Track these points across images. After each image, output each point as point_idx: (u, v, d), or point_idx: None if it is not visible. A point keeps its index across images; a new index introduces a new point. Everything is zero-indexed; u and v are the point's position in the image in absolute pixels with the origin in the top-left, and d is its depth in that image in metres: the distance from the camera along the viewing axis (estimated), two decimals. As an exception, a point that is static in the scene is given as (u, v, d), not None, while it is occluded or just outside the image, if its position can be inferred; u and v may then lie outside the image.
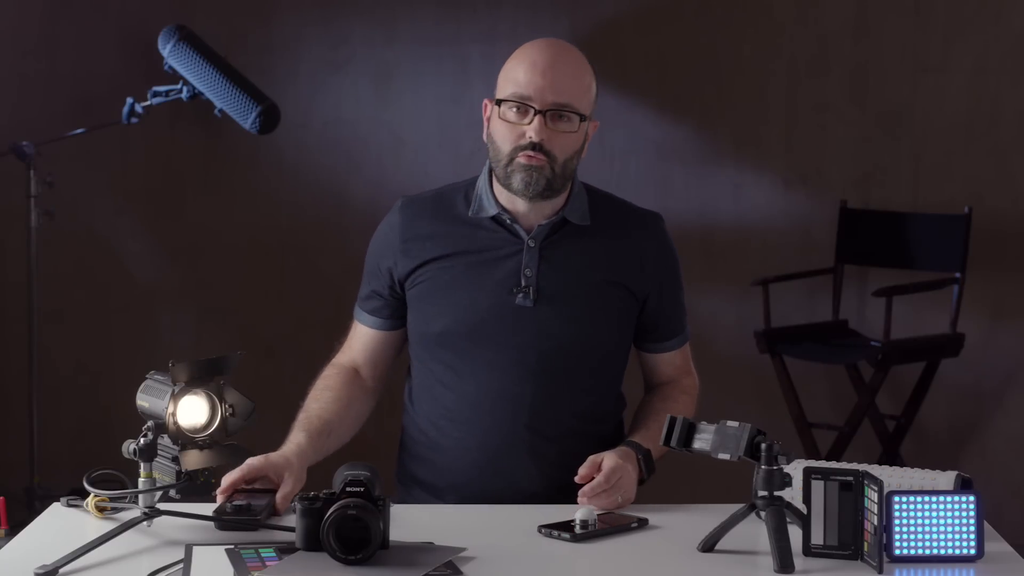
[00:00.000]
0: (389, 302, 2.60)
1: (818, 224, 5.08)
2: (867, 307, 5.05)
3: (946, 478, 2.24)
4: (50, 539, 2.16)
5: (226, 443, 2.21)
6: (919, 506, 2.10)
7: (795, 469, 2.23)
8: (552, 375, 2.51)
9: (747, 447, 2.14)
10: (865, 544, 2.08)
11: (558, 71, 2.48)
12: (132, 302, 5.08)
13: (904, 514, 2.09)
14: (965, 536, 2.10)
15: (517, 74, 2.48)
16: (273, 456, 2.37)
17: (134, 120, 4.49)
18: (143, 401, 2.23)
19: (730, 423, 2.17)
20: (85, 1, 5.01)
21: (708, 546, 2.15)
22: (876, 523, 2.05)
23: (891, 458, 4.75)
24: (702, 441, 2.19)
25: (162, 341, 5.02)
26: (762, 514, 2.12)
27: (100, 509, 2.27)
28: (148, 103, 4.48)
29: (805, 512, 2.12)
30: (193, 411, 2.18)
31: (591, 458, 2.41)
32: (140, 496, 2.18)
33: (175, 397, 2.16)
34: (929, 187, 5.05)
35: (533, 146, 2.46)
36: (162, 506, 2.20)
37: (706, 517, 2.23)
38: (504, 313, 2.51)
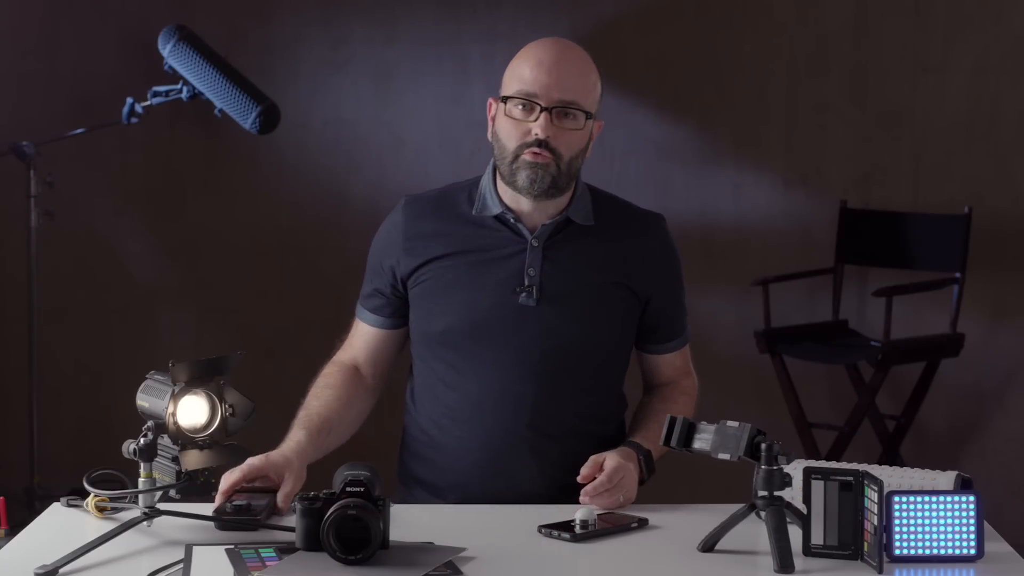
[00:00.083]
0: (391, 301, 2.60)
1: (818, 224, 5.08)
2: (867, 307, 5.05)
3: (946, 478, 2.24)
4: (50, 539, 2.16)
5: (226, 443, 2.21)
6: (919, 506, 2.10)
7: (795, 469, 2.23)
8: (554, 375, 2.51)
9: (747, 447, 2.14)
10: (865, 544, 2.08)
11: (564, 69, 2.48)
12: (132, 302, 5.08)
13: (904, 514, 2.09)
14: (965, 536, 2.10)
15: (523, 72, 2.48)
16: (273, 455, 2.37)
17: (134, 120, 4.48)
18: (143, 401, 2.23)
19: (730, 423, 2.17)
20: (85, 1, 5.01)
21: (708, 546, 2.15)
22: (876, 523, 2.05)
23: (891, 458, 4.75)
24: (702, 441, 2.19)
25: (162, 341, 5.02)
26: (762, 514, 2.12)
27: (100, 509, 2.27)
28: (148, 103, 4.48)
29: (805, 512, 2.12)
30: (193, 411, 2.18)
31: (593, 458, 2.41)
32: (140, 496, 2.18)
33: (175, 397, 2.16)
34: (929, 187, 5.05)
35: (539, 143, 2.46)
36: (162, 506, 2.20)
37: (706, 517, 2.23)
38: (507, 312, 2.51)
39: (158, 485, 2.18)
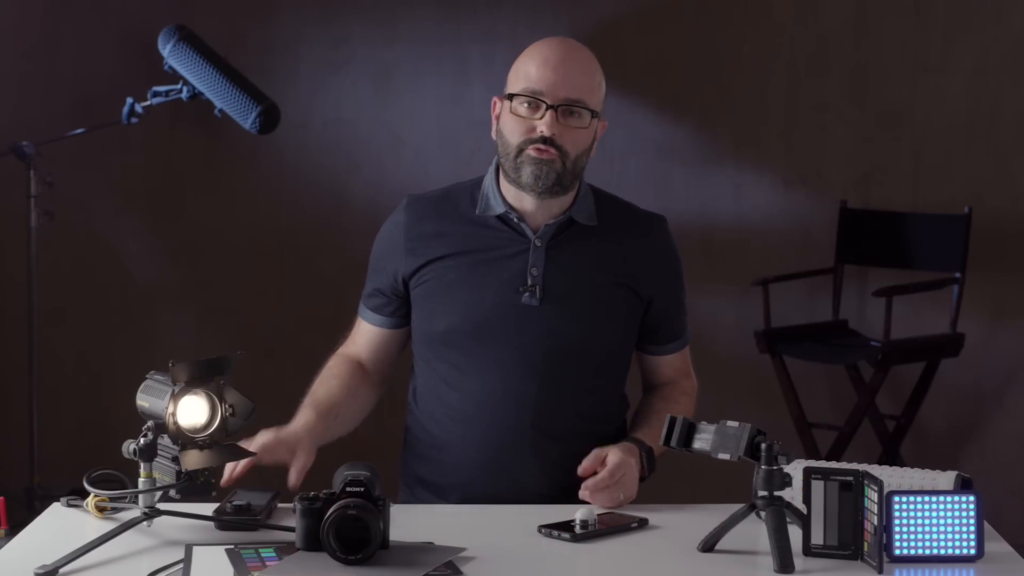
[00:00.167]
0: (392, 300, 2.60)
1: (818, 224, 5.08)
2: (867, 307, 5.05)
3: (946, 478, 2.24)
4: (50, 539, 2.16)
5: (226, 443, 2.20)
6: (919, 506, 2.10)
7: (795, 469, 2.23)
8: (557, 374, 2.51)
9: (747, 447, 2.14)
10: (865, 544, 2.08)
11: (570, 67, 2.48)
12: (132, 302, 5.08)
13: (904, 514, 2.09)
14: (965, 536, 2.10)
15: (529, 69, 2.48)
16: (283, 430, 2.38)
17: (134, 120, 4.48)
18: (143, 401, 2.23)
19: (730, 423, 2.17)
20: (85, 1, 5.01)
21: (708, 546, 2.15)
22: (876, 523, 2.05)
23: (891, 458, 4.75)
24: (702, 441, 2.19)
25: (162, 341, 5.02)
26: (762, 514, 2.12)
27: (100, 509, 2.27)
28: (148, 103, 4.48)
29: (805, 512, 2.12)
30: (193, 411, 2.18)
31: (595, 452, 2.41)
32: (140, 496, 2.18)
33: (175, 397, 2.16)
34: (929, 187, 5.05)
35: (544, 140, 2.46)
36: (162, 506, 2.20)
37: (706, 517, 2.23)
38: (509, 312, 2.51)
39: (158, 485, 2.18)
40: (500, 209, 2.54)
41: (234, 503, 2.25)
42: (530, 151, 2.47)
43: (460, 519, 2.37)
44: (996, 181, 5.04)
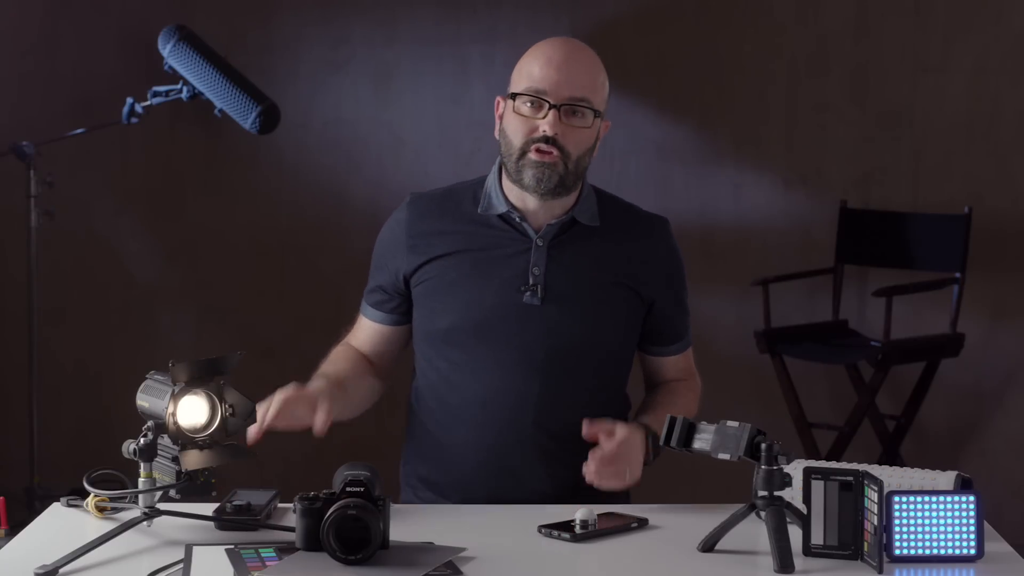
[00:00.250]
0: (394, 297, 2.60)
1: (818, 224, 5.08)
2: (867, 307, 5.05)
3: (946, 478, 2.24)
4: (50, 539, 2.16)
5: (226, 443, 2.20)
6: (919, 506, 2.10)
7: (795, 469, 2.23)
8: (558, 374, 2.51)
9: (747, 447, 2.14)
10: (865, 544, 2.08)
11: (573, 67, 2.49)
12: (132, 302, 5.08)
13: (904, 514, 2.09)
14: (965, 536, 2.10)
15: (532, 69, 2.49)
16: (304, 388, 2.36)
17: (134, 120, 4.48)
18: (143, 401, 2.23)
19: (730, 423, 2.18)
20: (85, 1, 5.01)
21: (708, 546, 2.15)
22: (876, 523, 2.05)
23: (891, 458, 4.75)
24: (702, 441, 2.19)
25: (162, 341, 5.02)
26: (762, 514, 2.12)
27: (100, 509, 2.27)
28: (148, 103, 4.48)
29: (805, 512, 2.12)
30: (193, 411, 2.18)
31: (602, 423, 2.40)
32: (140, 496, 2.18)
33: (175, 397, 2.16)
34: (929, 187, 5.06)
35: (546, 140, 2.46)
36: (162, 506, 2.20)
37: (706, 517, 2.23)
38: (511, 311, 2.51)
39: (158, 485, 2.18)
40: (502, 208, 2.54)
41: (234, 503, 2.25)
42: (532, 155, 2.47)
43: (460, 519, 2.37)
44: (996, 181, 5.04)
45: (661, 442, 2.23)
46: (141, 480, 2.18)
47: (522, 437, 2.51)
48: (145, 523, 2.18)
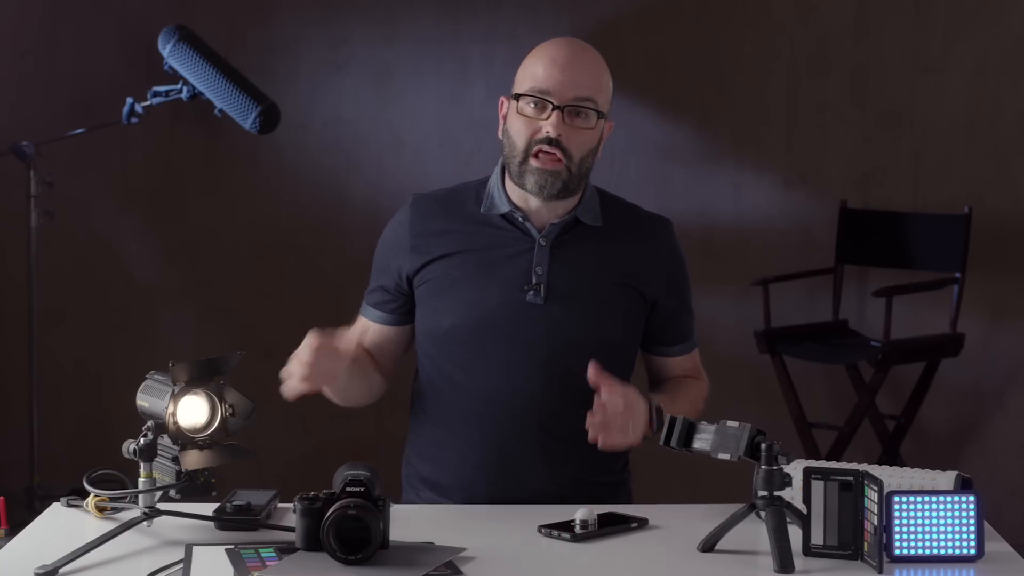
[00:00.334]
0: (397, 297, 2.60)
1: (818, 224, 5.08)
2: (867, 307, 5.05)
3: (946, 478, 2.24)
4: (50, 539, 2.16)
5: (226, 443, 2.21)
6: (919, 506, 2.10)
7: (795, 469, 2.23)
8: (561, 373, 2.51)
9: (747, 447, 2.14)
10: (865, 544, 2.08)
11: (578, 68, 2.49)
12: (132, 302, 5.08)
13: (904, 514, 2.09)
14: (965, 536, 2.10)
15: (536, 69, 2.49)
16: (331, 338, 2.38)
17: (134, 120, 4.48)
18: (143, 401, 2.23)
19: (730, 423, 2.18)
20: (85, 1, 5.01)
21: (708, 546, 2.15)
22: (876, 523, 2.05)
23: (891, 458, 4.75)
24: (702, 441, 2.19)
25: (162, 341, 5.02)
26: (762, 514, 2.12)
27: (100, 509, 2.27)
28: (148, 103, 4.48)
29: (805, 512, 2.12)
30: (193, 411, 2.18)
31: (609, 376, 2.38)
32: (140, 496, 2.18)
33: (175, 397, 2.16)
34: (929, 187, 5.06)
35: (550, 141, 2.46)
36: (162, 506, 2.20)
37: (706, 517, 2.23)
38: (514, 310, 2.51)
39: (158, 485, 2.19)
40: (505, 208, 2.55)
41: (234, 503, 2.25)
42: (534, 161, 2.47)
43: (460, 519, 2.37)
44: (996, 181, 5.04)
45: (661, 442, 2.23)
46: (141, 480, 2.18)
47: (525, 436, 2.51)
48: (145, 523, 2.18)
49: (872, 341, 4.81)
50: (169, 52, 4.41)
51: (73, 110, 4.88)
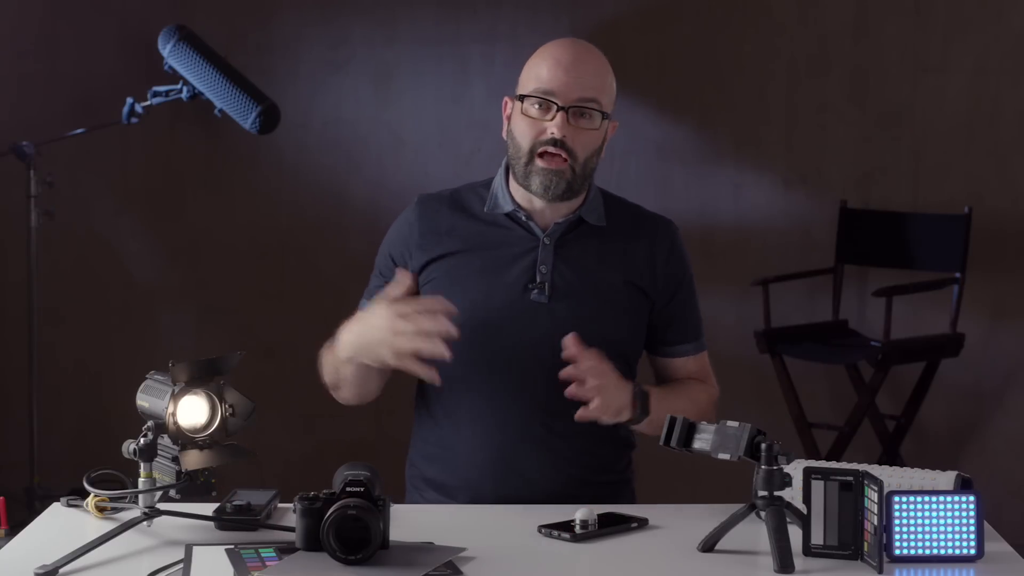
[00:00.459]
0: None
1: (818, 224, 5.08)
2: (867, 307, 5.05)
3: (946, 478, 2.24)
4: (50, 539, 2.16)
5: (226, 443, 2.21)
6: (919, 506, 2.10)
7: (795, 469, 2.23)
8: None
9: (747, 447, 2.14)
10: (865, 544, 2.08)
11: (582, 68, 2.50)
12: (132, 302, 5.08)
13: (904, 514, 2.09)
14: (965, 536, 2.10)
15: (540, 71, 2.50)
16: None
17: (134, 120, 4.49)
18: (143, 401, 2.23)
19: (730, 423, 2.18)
20: (85, 1, 5.01)
21: (708, 546, 2.15)
22: (876, 523, 2.05)
23: (891, 458, 4.75)
24: (702, 441, 2.19)
25: (162, 341, 5.02)
26: (762, 514, 2.12)
27: (100, 509, 2.27)
28: (148, 103, 4.48)
29: (805, 512, 2.12)
30: (193, 411, 2.18)
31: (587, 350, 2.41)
32: (140, 496, 2.18)
33: (175, 397, 2.16)
34: (929, 187, 5.06)
35: (554, 143, 2.47)
36: (162, 506, 2.20)
37: (706, 517, 2.23)
38: (519, 309, 2.52)
39: (158, 485, 2.18)
40: (509, 207, 2.56)
41: (234, 503, 2.25)
42: (539, 162, 2.48)
43: (460, 519, 2.37)
44: (996, 181, 5.04)
45: (661, 442, 2.23)
46: (141, 480, 2.18)
47: (531, 435, 2.51)
48: (145, 523, 2.18)
49: (872, 341, 4.81)
50: (169, 52, 4.41)
51: (73, 110, 4.88)
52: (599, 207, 2.59)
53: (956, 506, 2.10)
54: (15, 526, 2.27)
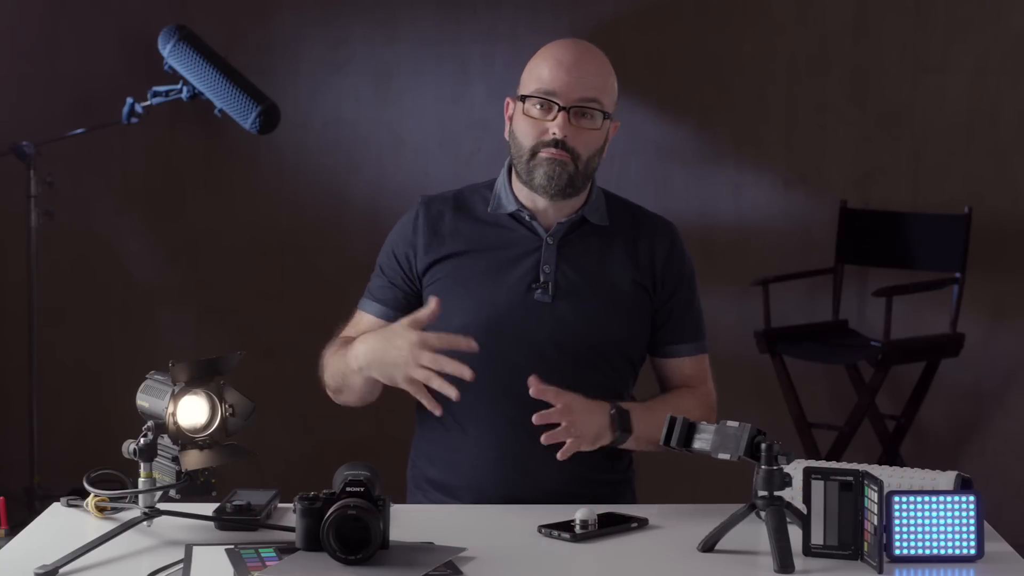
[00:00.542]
0: (405, 293, 2.59)
1: (818, 224, 5.08)
2: (867, 307, 5.04)
3: (946, 478, 2.24)
4: (50, 539, 2.16)
5: (226, 443, 2.21)
6: (919, 506, 2.10)
7: (795, 469, 2.23)
8: (569, 370, 2.51)
9: (747, 447, 2.14)
10: (865, 544, 2.08)
11: (583, 68, 2.50)
12: (132, 302, 5.08)
13: (904, 514, 2.09)
14: (965, 536, 2.10)
15: (542, 71, 2.50)
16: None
17: (134, 120, 4.49)
18: (143, 401, 2.23)
19: (730, 423, 2.18)
20: (85, 1, 5.01)
21: (708, 546, 2.15)
22: (876, 523, 2.05)
23: (891, 458, 4.75)
24: (702, 441, 2.20)
25: (162, 341, 5.02)
26: (762, 514, 2.12)
27: (100, 509, 2.27)
28: (148, 103, 4.48)
29: (805, 512, 2.12)
30: (193, 411, 2.18)
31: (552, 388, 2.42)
32: (140, 496, 2.18)
33: (175, 397, 2.16)
34: (929, 187, 5.05)
35: (556, 143, 2.47)
36: (162, 506, 2.20)
37: (706, 517, 2.23)
38: (523, 308, 2.52)
39: (158, 485, 2.19)
40: (512, 207, 2.56)
41: (234, 503, 2.25)
42: (543, 154, 2.49)
43: (460, 519, 2.37)
44: (996, 181, 5.04)
45: (661, 442, 2.23)
46: (141, 480, 2.18)
47: (535, 435, 2.51)
48: (145, 523, 2.18)
49: (872, 341, 4.81)
50: (169, 52, 4.41)
51: (73, 110, 4.88)
52: (601, 207, 2.60)
53: (956, 506, 2.10)
54: (15, 526, 2.27)
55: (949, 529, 2.10)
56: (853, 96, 5.08)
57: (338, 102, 5.10)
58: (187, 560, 2.06)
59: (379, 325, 2.61)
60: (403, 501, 2.60)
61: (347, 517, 2.01)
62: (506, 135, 2.57)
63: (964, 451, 5.07)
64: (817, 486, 2.11)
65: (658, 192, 5.01)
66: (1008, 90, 5.04)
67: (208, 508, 2.25)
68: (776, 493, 2.12)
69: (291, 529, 2.11)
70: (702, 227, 5.03)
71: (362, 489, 2.04)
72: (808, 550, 2.11)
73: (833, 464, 2.22)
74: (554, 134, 2.48)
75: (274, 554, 2.07)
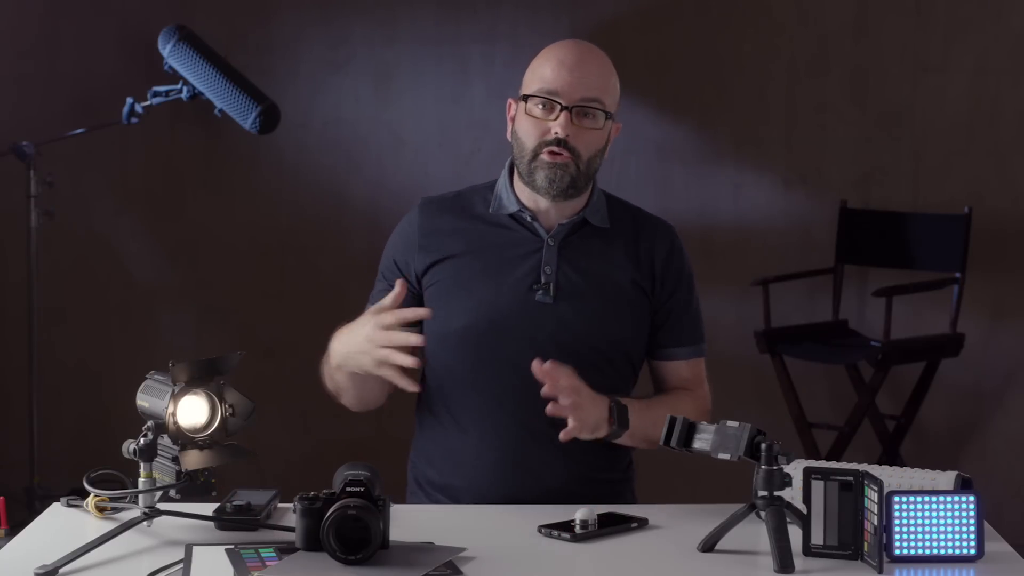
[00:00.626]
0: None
1: (818, 224, 5.08)
2: (867, 307, 5.05)
3: (946, 478, 2.24)
4: (50, 539, 2.16)
5: (226, 443, 2.21)
6: (919, 506, 2.10)
7: (795, 469, 2.23)
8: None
9: (747, 447, 2.15)
10: (865, 544, 2.08)
11: (585, 69, 2.51)
12: (132, 302, 5.08)
13: (904, 514, 2.09)
14: (965, 536, 2.10)
15: (544, 71, 2.51)
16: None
17: (134, 120, 4.48)
18: (143, 401, 2.23)
19: (730, 423, 2.18)
20: (85, 1, 5.01)
21: (708, 546, 2.15)
22: (876, 523, 2.05)
23: (891, 458, 4.75)
24: (702, 441, 2.20)
25: (162, 341, 5.02)
26: (762, 514, 2.12)
27: (100, 509, 2.27)
28: (148, 103, 4.48)
29: (805, 512, 2.12)
30: (193, 411, 2.18)
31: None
32: (140, 496, 2.18)
33: (175, 397, 2.16)
34: (929, 187, 5.06)
35: (558, 142, 2.47)
36: (162, 506, 2.20)
37: (706, 517, 2.23)
38: (524, 309, 2.52)
39: (158, 485, 2.19)
40: (513, 208, 2.56)
41: (234, 503, 2.25)
42: (544, 155, 2.49)
43: (460, 519, 2.37)
44: (996, 181, 5.04)
45: (661, 442, 2.23)
46: (141, 480, 2.18)
47: (538, 435, 2.51)
48: (145, 523, 2.18)
49: (872, 341, 4.81)
50: (169, 52, 4.41)
51: (73, 110, 4.88)
52: (603, 209, 2.60)
53: (956, 506, 2.10)
54: (15, 526, 2.27)
55: (949, 529, 2.10)
56: (853, 96, 5.08)
57: (338, 102, 5.10)
58: (187, 560, 2.07)
59: None
60: (403, 501, 2.60)
61: (347, 517, 2.01)
62: (508, 136, 2.57)
63: (964, 451, 5.07)
64: (817, 486, 2.11)
65: (658, 192, 5.01)
66: (1008, 90, 5.04)
67: (208, 508, 2.25)
68: (776, 493, 2.12)
69: (291, 529, 2.11)
70: (702, 227, 5.04)
71: (362, 489, 2.04)
72: (808, 550, 2.11)
73: (833, 464, 2.22)
74: (556, 133, 2.48)
75: (274, 554, 2.07)
